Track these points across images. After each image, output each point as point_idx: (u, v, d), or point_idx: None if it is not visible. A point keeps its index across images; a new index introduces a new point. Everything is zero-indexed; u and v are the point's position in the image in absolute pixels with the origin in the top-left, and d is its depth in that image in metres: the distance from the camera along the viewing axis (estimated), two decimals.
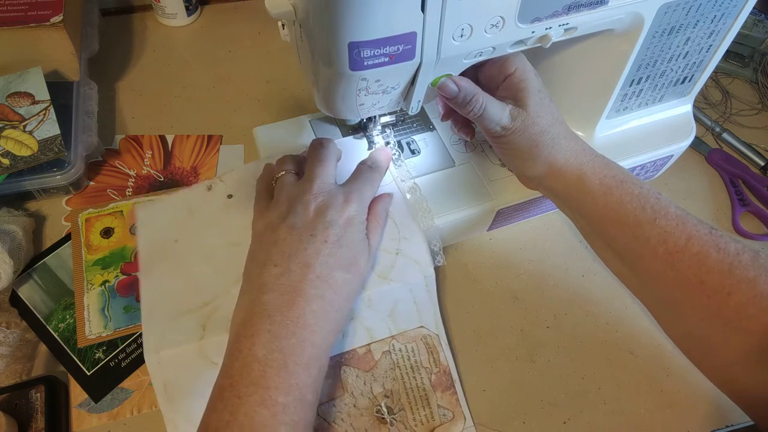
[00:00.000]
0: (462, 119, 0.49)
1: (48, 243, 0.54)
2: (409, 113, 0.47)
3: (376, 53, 0.35)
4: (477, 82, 0.44)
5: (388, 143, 0.54)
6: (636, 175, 0.57)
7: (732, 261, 0.37)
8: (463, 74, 0.44)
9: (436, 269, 0.48)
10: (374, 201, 0.47)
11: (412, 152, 0.54)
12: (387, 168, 0.50)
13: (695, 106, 0.59)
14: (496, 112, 0.42)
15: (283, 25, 0.45)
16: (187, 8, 0.71)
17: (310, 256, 0.40)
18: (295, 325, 0.38)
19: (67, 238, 0.53)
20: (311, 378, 0.38)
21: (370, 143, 0.54)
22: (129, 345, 0.48)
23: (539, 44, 0.41)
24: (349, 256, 0.42)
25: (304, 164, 0.48)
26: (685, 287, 0.39)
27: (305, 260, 0.40)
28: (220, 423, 0.35)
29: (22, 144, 0.52)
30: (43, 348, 0.48)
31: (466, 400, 0.47)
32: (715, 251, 0.38)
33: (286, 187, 0.45)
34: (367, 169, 0.48)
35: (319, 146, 0.47)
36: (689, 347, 0.42)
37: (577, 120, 0.54)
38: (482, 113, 0.42)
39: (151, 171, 0.59)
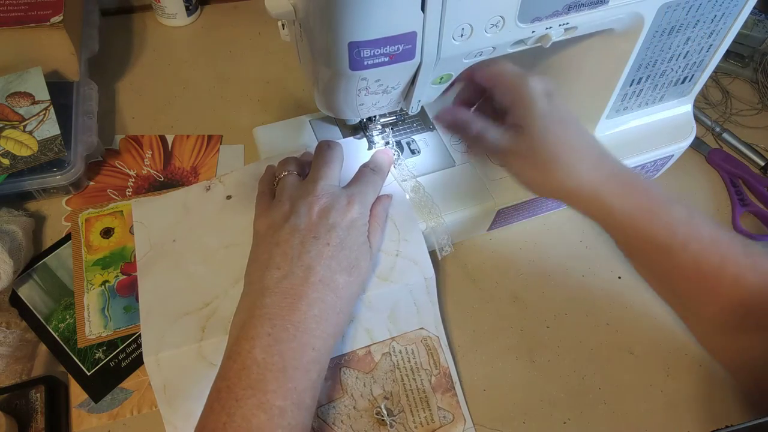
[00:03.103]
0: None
1: (48, 243, 0.54)
2: (409, 113, 0.47)
3: (376, 53, 0.35)
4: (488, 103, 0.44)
5: (387, 143, 0.54)
6: None
7: None
8: (471, 92, 0.44)
9: (437, 269, 0.48)
10: (374, 203, 0.47)
11: (412, 152, 0.54)
12: (389, 170, 0.50)
13: (695, 106, 0.59)
14: (495, 136, 0.41)
15: (283, 25, 0.45)
16: (187, 8, 0.71)
17: (312, 259, 0.40)
18: (296, 329, 0.38)
19: (67, 238, 0.53)
20: (310, 382, 0.38)
21: (370, 143, 0.54)
22: (129, 345, 0.48)
23: (539, 44, 0.41)
24: (351, 258, 0.42)
25: (306, 166, 0.48)
26: (724, 309, 0.38)
27: (308, 263, 0.40)
28: (217, 425, 0.35)
29: (22, 144, 0.52)
30: (43, 348, 0.48)
31: (466, 402, 0.47)
32: (752, 274, 0.37)
33: (288, 188, 0.45)
34: (369, 171, 0.47)
35: (326, 148, 0.47)
36: (722, 355, 0.41)
37: None
38: (480, 137, 0.42)
39: (151, 171, 0.59)
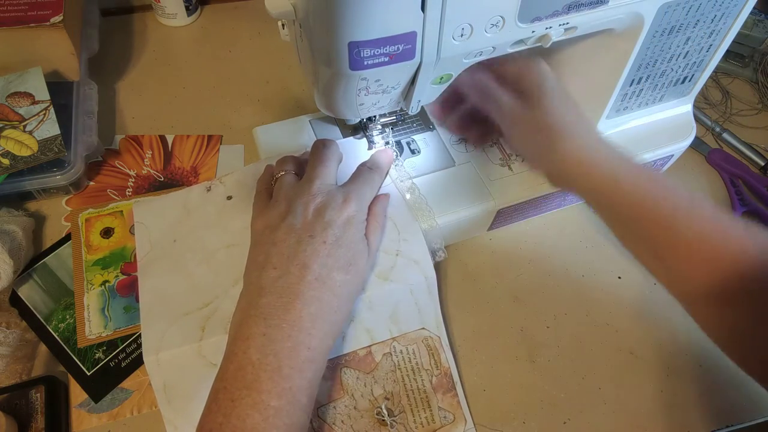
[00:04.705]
0: (459, 117, 0.52)
1: (48, 243, 0.54)
2: (409, 113, 0.47)
3: (376, 53, 0.35)
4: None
5: (387, 143, 0.54)
6: None
7: None
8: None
9: (437, 269, 0.48)
10: (373, 202, 0.47)
11: (412, 152, 0.54)
12: (388, 169, 0.50)
13: (695, 106, 0.59)
14: (508, 101, 0.44)
15: (283, 25, 0.45)
16: (187, 8, 0.71)
17: (308, 258, 0.40)
18: (291, 329, 0.38)
19: (67, 238, 0.53)
20: (306, 381, 0.38)
21: (370, 143, 0.54)
22: (129, 345, 0.48)
23: (539, 44, 0.41)
24: (348, 256, 0.42)
25: (304, 165, 0.48)
26: (722, 282, 0.38)
27: (303, 262, 0.40)
28: (214, 425, 0.35)
29: (22, 144, 0.52)
30: (43, 348, 0.48)
31: (467, 402, 0.47)
32: (755, 250, 0.37)
33: (285, 187, 0.45)
34: (366, 170, 0.48)
35: (321, 147, 0.47)
36: (734, 345, 0.40)
37: None
38: (494, 100, 0.44)
39: (151, 171, 0.59)
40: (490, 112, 0.47)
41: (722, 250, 0.38)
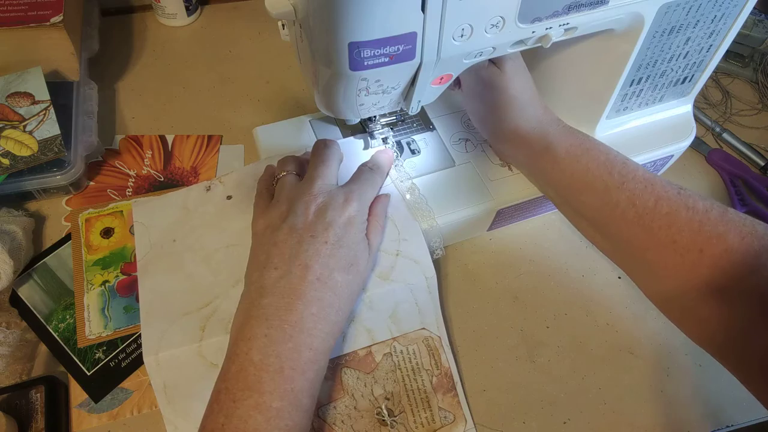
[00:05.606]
0: None
1: (48, 243, 0.54)
2: (409, 113, 0.47)
3: (376, 53, 0.35)
4: None
5: (387, 143, 0.54)
6: None
7: (701, 218, 0.38)
8: None
9: (437, 269, 0.48)
10: (373, 202, 0.47)
11: (412, 152, 0.54)
12: (389, 170, 0.50)
13: (695, 106, 0.59)
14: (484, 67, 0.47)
15: (283, 25, 0.45)
16: (187, 8, 0.71)
17: (309, 258, 0.40)
18: (293, 329, 0.38)
19: (67, 238, 0.53)
20: (308, 382, 0.38)
21: (370, 143, 0.54)
22: (129, 345, 0.48)
23: (539, 44, 0.41)
24: (349, 256, 0.42)
25: (305, 165, 0.48)
26: (657, 248, 0.39)
27: (305, 262, 0.40)
28: (216, 425, 0.35)
29: (22, 144, 0.52)
30: (43, 348, 0.48)
31: (467, 402, 0.47)
32: (684, 210, 0.39)
33: (286, 188, 0.45)
34: (367, 170, 0.48)
35: (322, 147, 0.47)
36: (668, 307, 0.41)
37: (577, 120, 0.54)
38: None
39: (151, 171, 0.59)
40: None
41: (653, 216, 0.39)
